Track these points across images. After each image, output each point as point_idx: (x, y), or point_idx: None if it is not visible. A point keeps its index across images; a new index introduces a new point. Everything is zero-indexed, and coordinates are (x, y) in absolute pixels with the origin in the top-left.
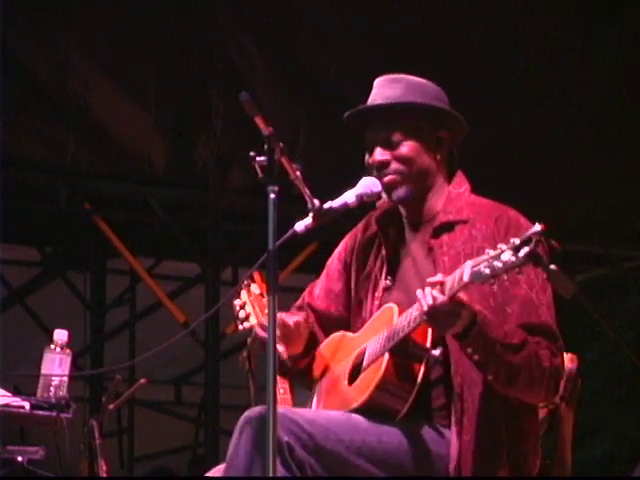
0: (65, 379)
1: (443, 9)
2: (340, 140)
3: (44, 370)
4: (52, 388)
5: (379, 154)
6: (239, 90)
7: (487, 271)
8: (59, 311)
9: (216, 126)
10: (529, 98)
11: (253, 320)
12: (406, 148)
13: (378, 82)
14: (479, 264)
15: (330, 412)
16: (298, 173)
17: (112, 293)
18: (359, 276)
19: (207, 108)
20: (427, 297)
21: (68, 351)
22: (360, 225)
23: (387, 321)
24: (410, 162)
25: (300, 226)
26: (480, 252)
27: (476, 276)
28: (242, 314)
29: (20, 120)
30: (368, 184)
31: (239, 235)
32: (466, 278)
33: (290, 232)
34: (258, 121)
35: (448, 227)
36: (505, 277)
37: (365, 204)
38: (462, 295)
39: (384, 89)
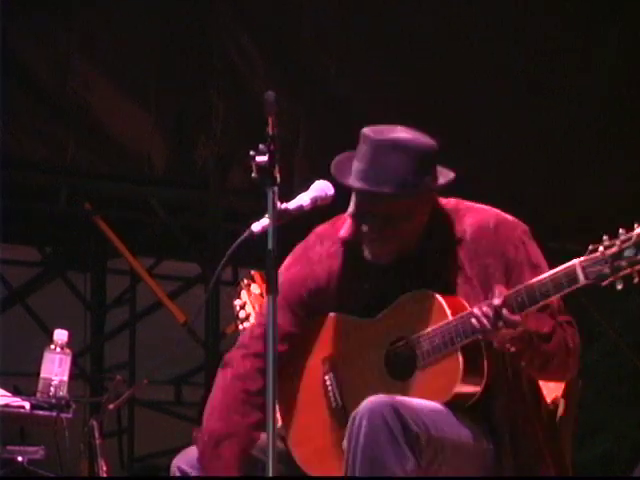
0: (65, 379)
1: (443, 9)
2: (340, 140)
3: (44, 370)
4: (52, 388)
5: (369, 229)
6: (239, 90)
7: (607, 271)
8: (59, 311)
9: (216, 126)
10: (529, 98)
11: (253, 320)
12: (407, 226)
13: (370, 146)
14: (594, 263)
15: (427, 403)
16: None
17: (112, 293)
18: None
19: (207, 108)
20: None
21: (68, 351)
22: (313, 251)
23: (429, 311)
24: (398, 235)
25: (257, 227)
26: (489, 268)
27: (596, 276)
28: (242, 314)
29: (20, 120)
30: (322, 187)
31: (239, 235)
32: (582, 280)
33: (247, 233)
34: (270, 120)
35: (442, 251)
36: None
37: (318, 207)
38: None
39: (376, 163)
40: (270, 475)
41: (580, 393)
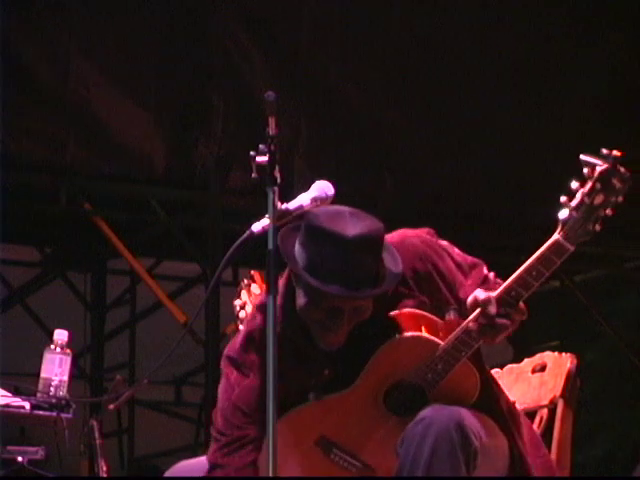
0: (65, 379)
1: (443, 9)
2: (340, 140)
3: (44, 370)
4: (52, 388)
5: (338, 323)
6: (239, 90)
7: (590, 227)
8: (59, 311)
9: (216, 126)
10: (529, 97)
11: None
12: (367, 311)
13: (334, 246)
14: (574, 227)
15: (470, 411)
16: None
17: (112, 293)
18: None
19: (207, 108)
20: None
21: (68, 351)
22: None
23: (413, 349)
24: (362, 319)
25: (257, 227)
26: (434, 293)
27: (582, 236)
28: (242, 314)
29: (20, 120)
30: (322, 187)
31: (239, 235)
32: (572, 248)
33: (247, 233)
34: (271, 121)
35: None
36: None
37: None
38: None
39: (348, 265)
40: (270, 475)
41: (580, 393)
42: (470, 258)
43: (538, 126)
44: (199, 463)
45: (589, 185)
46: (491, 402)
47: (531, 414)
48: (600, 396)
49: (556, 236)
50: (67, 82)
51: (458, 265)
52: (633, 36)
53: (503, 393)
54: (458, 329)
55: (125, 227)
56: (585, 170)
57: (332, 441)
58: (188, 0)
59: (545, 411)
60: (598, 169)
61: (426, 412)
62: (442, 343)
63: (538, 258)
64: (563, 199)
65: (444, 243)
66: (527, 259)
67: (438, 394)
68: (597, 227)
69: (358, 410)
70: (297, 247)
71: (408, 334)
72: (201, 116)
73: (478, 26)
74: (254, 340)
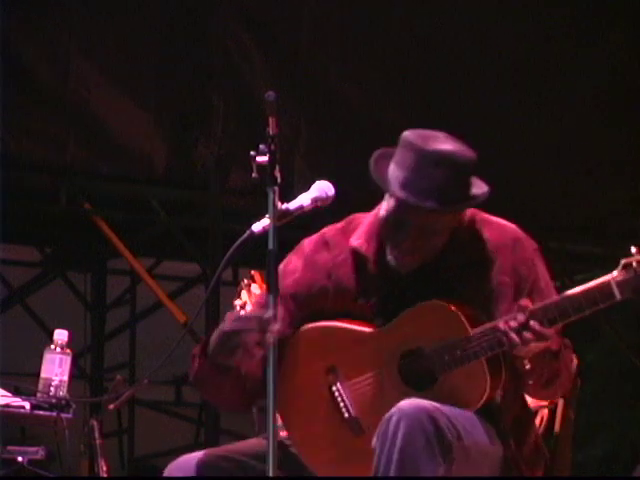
0: (65, 379)
1: (443, 9)
2: (340, 140)
3: (44, 370)
4: (52, 388)
5: (403, 238)
6: (239, 90)
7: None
8: (59, 311)
9: (216, 126)
10: (530, 97)
11: None
12: (439, 239)
13: (414, 155)
14: (630, 279)
15: (456, 409)
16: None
17: (112, 293)
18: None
19: (207, 108)
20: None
21: (68, 351)
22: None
23: (446, 323)
24: (428, 247)
25: (258, 227)
26: (502, 286)
27: (634, 292)
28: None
29: (20, 120)
30: (323, 188)
31: (239, 235)
32: (619, 297)
33: (247, 233)
34: (271, 121)
35: (459, 266)
36: None
37: (318, 208)
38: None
39: (421, 175)
40: (270, 475)
41: (580, 393)
42: (551, 283)
43: (538, 126)
44: (198, 457)
45: None
46: (498, 409)
47: None
48: (600, 396)
49: (609, 277)
50: (67, 82)
51: (540, 287)
52: (633, 36)
53: (516, 403)
54: (489, 324)
55: (125, 227)
56: None
57: (339, 377)
58: (188, 0)
59: (545, 411)
60: None
61: (397, 406)
62: (470, 332)
63: (584, 292)
64: (633, 250)
65: (542, 263)
66: None
67: (446, 381)
68: None
69: (375, 359)
70: (392, 164)
71: (451, 307)
72: (201, 116)
73: (478, 26)
74: (326, 243)
